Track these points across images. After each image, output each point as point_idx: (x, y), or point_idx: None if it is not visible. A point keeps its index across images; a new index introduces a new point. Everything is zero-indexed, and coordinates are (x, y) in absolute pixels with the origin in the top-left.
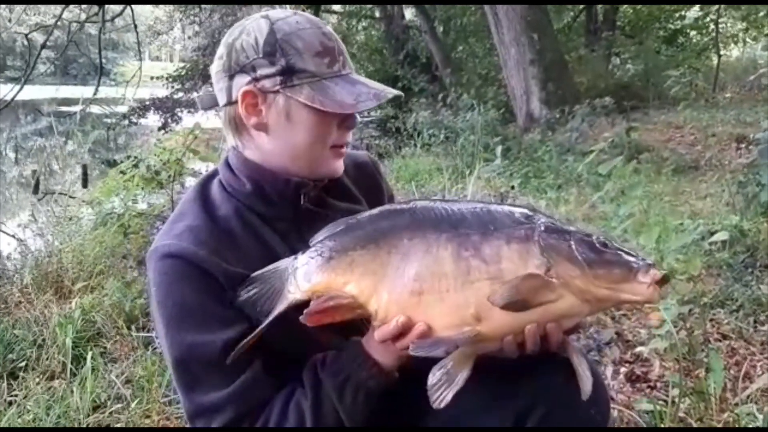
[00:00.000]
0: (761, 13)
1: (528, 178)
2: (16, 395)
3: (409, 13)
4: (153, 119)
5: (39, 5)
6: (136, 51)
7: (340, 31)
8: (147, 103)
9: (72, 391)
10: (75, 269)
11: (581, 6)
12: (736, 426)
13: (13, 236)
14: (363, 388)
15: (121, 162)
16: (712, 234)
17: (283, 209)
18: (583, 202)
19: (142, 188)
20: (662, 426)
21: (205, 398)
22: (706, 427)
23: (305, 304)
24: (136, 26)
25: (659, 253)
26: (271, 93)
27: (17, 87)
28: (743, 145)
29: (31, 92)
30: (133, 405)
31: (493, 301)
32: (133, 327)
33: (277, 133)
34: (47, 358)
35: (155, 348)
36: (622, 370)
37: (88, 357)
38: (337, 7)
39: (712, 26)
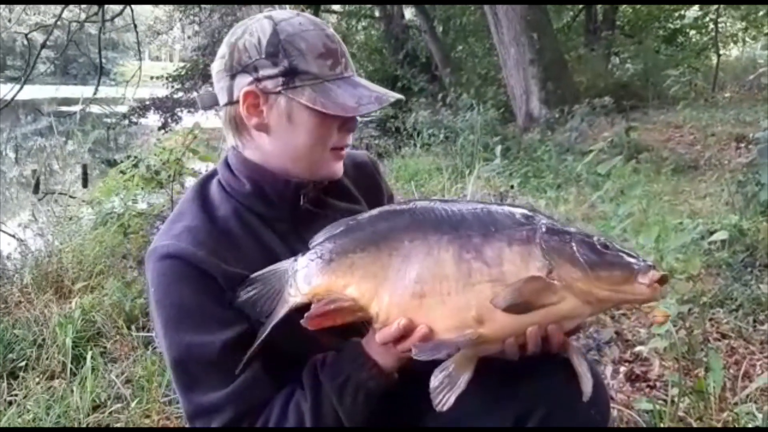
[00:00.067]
0: (761, 13)
1: (527, 177)
2: (16, 395)
3: (409, 12)
4: (153, 119)
5: (39, 5)
6: (135, 51)
7: (340, 31)
8: (147, 102)
9: (72, 391)
10: (75, 269)
11: (581, 6)
12: (736, 425)
13: (13, 236)
14: (363, 389)
15: (121, 162)
16: (712, 233)
17: (282, 210)
18: (582, 202)
19: (142, 188)
20: (662, 425)
21: (204, 399)
22: (706, 427)
23: (306, 305)
24: (135, 26)
25: (659, 252)
26: (273, 94)
27: (17, 87)
28: (743, 145)
29: (31, 92)
30: (133, 405)
31: (496, 303)
32: (133, 327)
33: (278, 134)
34: (47, 358)
35: (155, 348)
36: (622, 369)
37: (88, 357)
38: (336, 7)
39: (711, 26)
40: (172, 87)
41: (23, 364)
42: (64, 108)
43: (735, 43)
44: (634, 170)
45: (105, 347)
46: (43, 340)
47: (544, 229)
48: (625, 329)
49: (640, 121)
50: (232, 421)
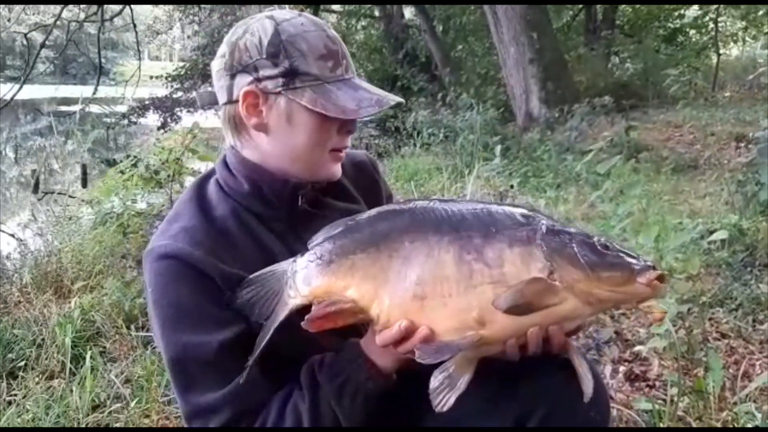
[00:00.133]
0: (760, 12)
1: (527, 177)
2: (15, 395)
3: (409, 12)
4: (152, 119)
5: (38, 5)
6: (135, 50)
7: (340, 30)
8: (146, 102)
9: (71, 391)
10: (74, 269)
11: (580, 5)
12: (735, 425)
13: (13, 236)
14: (362, 390)
15: (121, 161)
16: (711, 233)
17: (280, 210)
18: (582, 201)
19: (142, 188)
20: (661, 425)
21: (202, 399)
22: (706, 427)
23: (305, 306)
24: (135, 25)
25: (658, 252)
26: (273, 94)
27: (17, 86)
28: (742, 144)
29: (30, 92)
30: (132, 404)
31: (497, 305)
32: (132, 326)
33: (277, 135)
34: (46, 358)
35: (154, 347)
36: (621, 369)
37: (88, 356)
38: (336, 7)
39: (711, 25)
40: (172, 87)
41: (22, 363)
42: (63, 108)
43: (735, 42)
44: (634, 170)
45: (104, 347)
46: (43, 339)
47: (544, 230)
48: (625, 329)
49: (639, 120)
50: (229, 421)
